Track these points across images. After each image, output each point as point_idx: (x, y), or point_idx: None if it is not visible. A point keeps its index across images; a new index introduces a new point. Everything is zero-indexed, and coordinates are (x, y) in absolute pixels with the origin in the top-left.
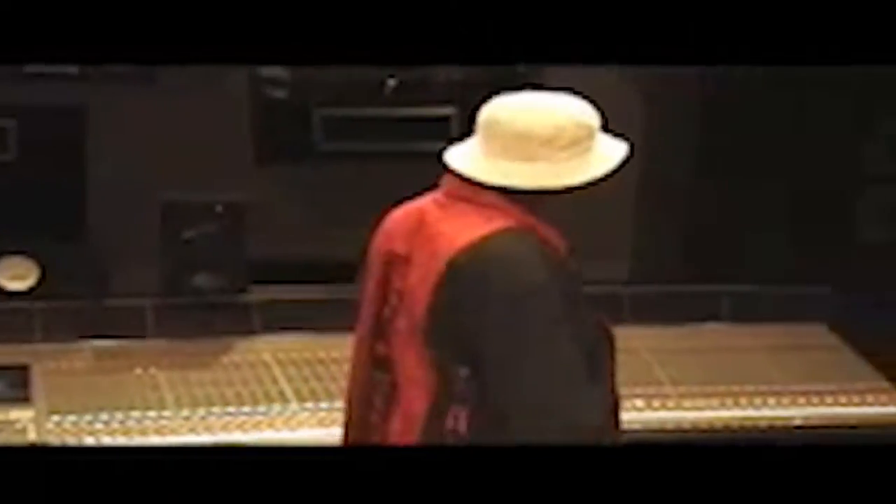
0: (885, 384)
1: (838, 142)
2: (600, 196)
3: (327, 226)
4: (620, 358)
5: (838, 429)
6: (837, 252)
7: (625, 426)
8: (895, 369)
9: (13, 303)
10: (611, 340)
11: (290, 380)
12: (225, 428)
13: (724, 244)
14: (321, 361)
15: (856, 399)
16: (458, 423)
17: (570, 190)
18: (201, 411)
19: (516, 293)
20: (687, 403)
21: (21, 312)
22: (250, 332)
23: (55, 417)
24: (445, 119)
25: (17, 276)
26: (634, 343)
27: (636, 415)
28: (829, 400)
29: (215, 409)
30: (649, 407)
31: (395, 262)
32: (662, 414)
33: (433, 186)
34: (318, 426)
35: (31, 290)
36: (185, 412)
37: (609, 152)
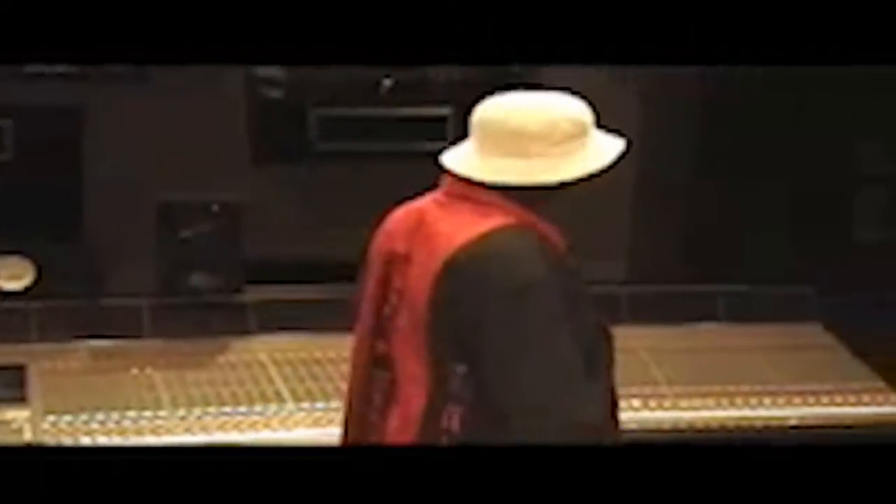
0: (881, 384)
1: (835, 142)
2: (598, 196)
3: (323, 226)
4: (617, 358)
5: (834, 429)
6: (833, 252)
7: (621, 426)
8: (890, 369)
9: (9, 302)
10: (610, 340)
11: (286, 380)
12: (221, 428)
13: (721, 244)
14: (317, 361)
15: (851, 399)
16: (452, 422)
17: (566, 186)
18: (197, 411)
19: (516, 288)
20: (683, 403)
21: (17, 312)
22: (246, 332)
23: (51, 417)
24: (442, 119)
25: (14, 275)
26: (631, 343)
27: (633, 414)
28: (824, 400)
29: (211, 409)
30: (646, 407)
31: (396, 262)
32: (659, 414)
33: (430, 186)
34: (314, 426)
35: (28, 289)
36: (182, 412)
37: (605, 148)
